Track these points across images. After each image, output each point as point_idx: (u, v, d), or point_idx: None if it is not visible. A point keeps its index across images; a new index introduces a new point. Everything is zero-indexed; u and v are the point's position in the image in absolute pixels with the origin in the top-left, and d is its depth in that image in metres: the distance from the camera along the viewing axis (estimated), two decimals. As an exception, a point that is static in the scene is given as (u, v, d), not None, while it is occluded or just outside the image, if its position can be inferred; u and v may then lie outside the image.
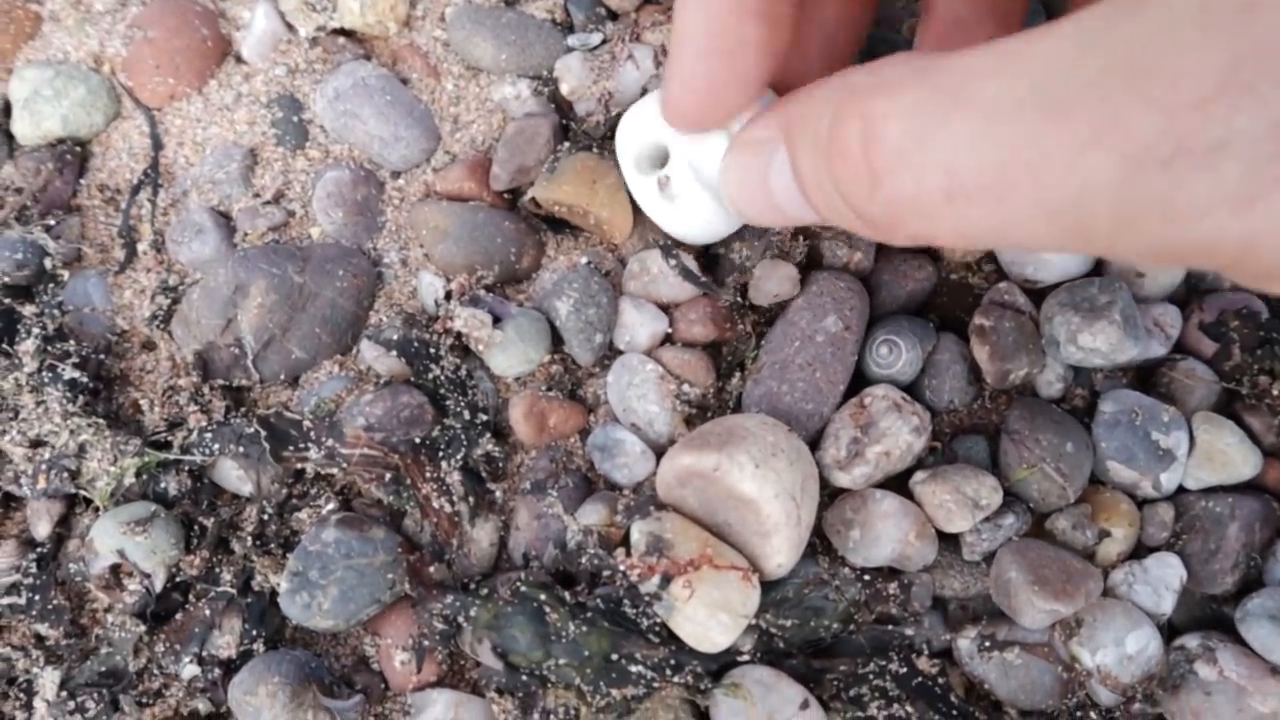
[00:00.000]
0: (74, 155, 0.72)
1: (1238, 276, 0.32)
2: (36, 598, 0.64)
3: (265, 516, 0.66)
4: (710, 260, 0.71)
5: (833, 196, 0.42)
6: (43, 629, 0.64)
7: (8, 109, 0.73)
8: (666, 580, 0.61)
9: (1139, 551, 0.69)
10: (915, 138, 0.36)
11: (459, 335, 0.67)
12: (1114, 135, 0.30)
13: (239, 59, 0.74)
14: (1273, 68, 0.28)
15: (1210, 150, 0.28)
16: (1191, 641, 0.67)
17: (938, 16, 0.54)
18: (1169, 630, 0.68)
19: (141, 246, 0.71)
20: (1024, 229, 0.35)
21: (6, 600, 0.64)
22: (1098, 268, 0.72)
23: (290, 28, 0.74)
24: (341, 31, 0.75)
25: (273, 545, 0.66)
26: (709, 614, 0.60)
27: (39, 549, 0.65)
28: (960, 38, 0.53)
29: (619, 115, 0.72)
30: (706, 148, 0.54)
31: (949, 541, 0.68)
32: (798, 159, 0.44)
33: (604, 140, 0.72)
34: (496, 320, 0.67)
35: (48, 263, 0.69)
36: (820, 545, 0.67)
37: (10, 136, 0.73)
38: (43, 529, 0.65)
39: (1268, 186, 0.28)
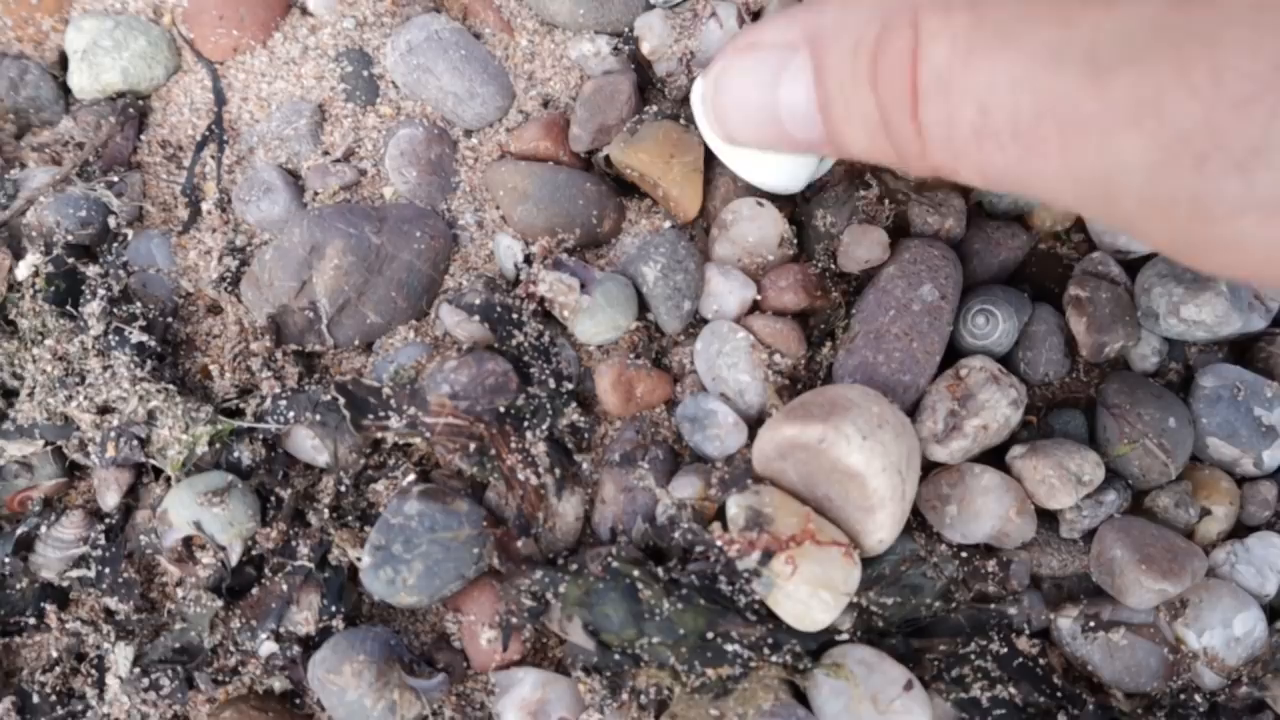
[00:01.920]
0: (134, 110, 0.68)
1: (1260, 282, 0.33)
2: (106, 570, 0.61)
3: (342, 488, 0.63)
4: (797, 228, 0.68)
5: (867, 111, 0.40)
6: (112, 603, 0.61)
7: (63, 62, 0.70)
8: (767, 556, 0.58)
9: (1238, 531, 0.67)
10: (959, 64, 0.35)
11: (542, 300, 0.64)
12: (1151, 118, 0.30)
13: (304, 10, 0.71)
14: None
15: (1247, 154, 0.28)
16: (1296, 624, 0.65)
17: None
18: (1269, 614, 0.66)
19: (206, 206, 0.68)
20: (1048, 187, 0.35)
21: (75, 573, 0.61)
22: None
23: (358, -21, 0.71)
24: (411, -16, 0.72)
25: (350, 518, 0.63)
26: (810, 591, 0.58)
27: (107, 520, 0.62)
28: None
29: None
30: None
31: (1045, 519, 0.66)
32: (828, 66, 0.42)
33: (685, 103, 0.69)
34: (581, 285, 0.64)
35: (111, 221, 0.65)
36: (914, 522, 0.65)
37: (67, 90, 0.69)
38: (111, 499, 0.62)
39: None
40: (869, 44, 0.39)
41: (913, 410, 0.65)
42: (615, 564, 0.60)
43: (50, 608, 0.61)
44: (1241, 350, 0.71)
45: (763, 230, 0.66)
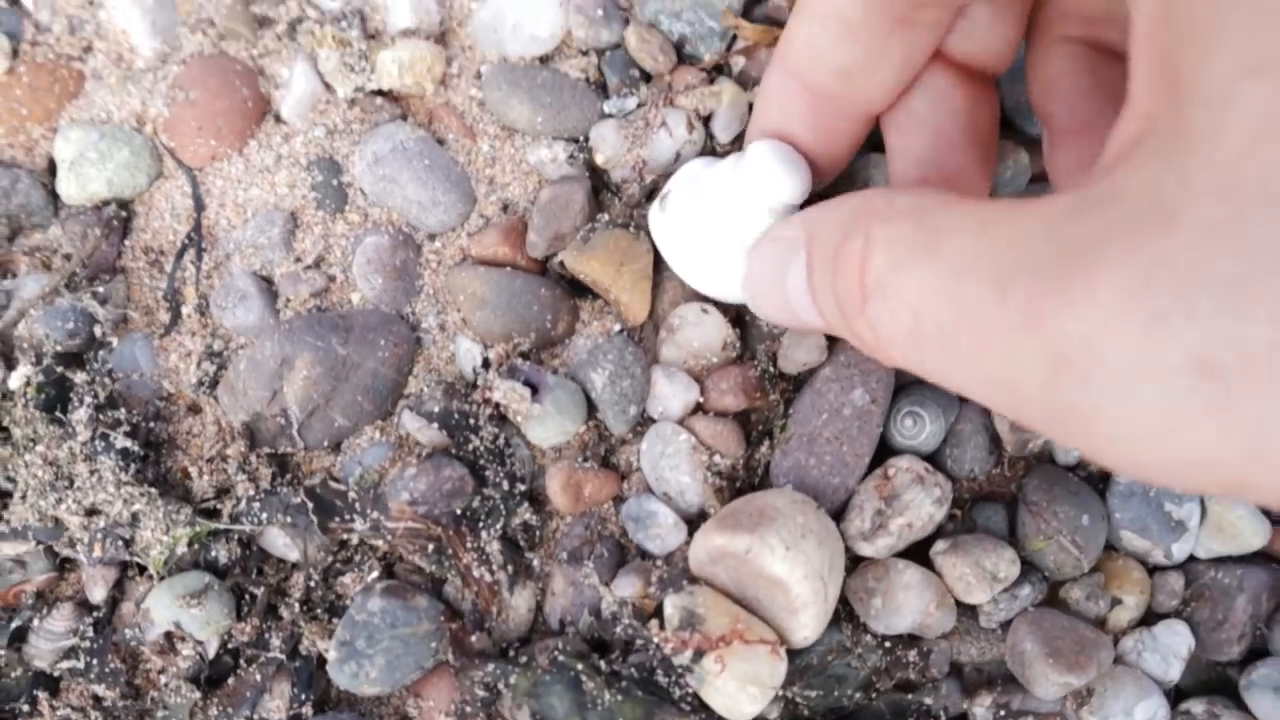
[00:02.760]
0: (119, 219, 0.73)
1: (1165, 487, 0.33)
2: (94, 661, 0.66)
3: (312, 583, 0.68)
4: (741, 329, 0.73)
5: (834, 307, 0.43)
6: (100, 690, 0.66)
7: (52, 167, 0.74)
8: (699, 654, 0.63)
9: (1149, 618, 0.72)
10: (895, 272, 0.38)
11: (498, 405, 0.69)
12: (1041, 331, 0.31)
13: (278, 118, 0.75)
14: (1182, 293, 0.27)
15: (1127, 373, 0.28)
16: (1197, 707, 0.70)
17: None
18: (1175, 694, 0.71)
19: (186, 310, 0.73)
20: (975, 389, 0.36)
21: (66, 664, 0.66)
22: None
23: (329, 88, 0.75)
24: (379, 92, 0.76)
25: (319, 610, 0.68)
26: (739, 686, 0.63)
27: (95, 612, 0.67)
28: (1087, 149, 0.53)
29: (654, 182, 0.74)
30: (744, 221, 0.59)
31: (966, 608, 0.70)
32: (813, 263, 0.46)
33: (638, 207, 0.74)
34: (534, 390, 0.69)
35: (97, 330, 0.70)
36: (843, 611, 0.70)
37: (55, 196, 0.74)
38: (98, 593, 0.67)
39: (1186, 420, 0.28)
40: (834, 246, 0.43)
41: (842, 509, 0.70)
42: (561, 657, 0.65)
43: (43, 695, 0.66)
44: (1160, 442, 0.75)
45: (707, 335, 0.71)
